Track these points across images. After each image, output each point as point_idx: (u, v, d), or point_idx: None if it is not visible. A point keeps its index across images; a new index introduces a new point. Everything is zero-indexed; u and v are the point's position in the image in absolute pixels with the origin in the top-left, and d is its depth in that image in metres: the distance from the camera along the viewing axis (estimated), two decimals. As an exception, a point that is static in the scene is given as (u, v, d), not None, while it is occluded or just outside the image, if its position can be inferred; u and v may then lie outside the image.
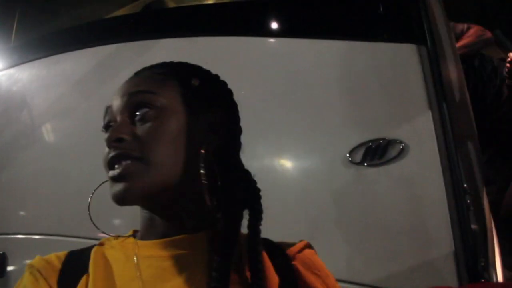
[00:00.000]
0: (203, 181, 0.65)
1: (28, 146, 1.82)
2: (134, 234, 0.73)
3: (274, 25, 1.43)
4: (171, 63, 0.77)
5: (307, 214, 1.19)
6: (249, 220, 0.68)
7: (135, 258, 0.67)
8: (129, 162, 0.64)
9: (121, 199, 0.63)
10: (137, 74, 0.75)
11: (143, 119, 0.66)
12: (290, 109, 1.29)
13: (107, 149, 0.66)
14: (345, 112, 1.23)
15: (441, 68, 1.15)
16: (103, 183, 0.69)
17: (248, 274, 0.64)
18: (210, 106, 0.72)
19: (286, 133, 1.28)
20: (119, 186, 0.63)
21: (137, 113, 0.67)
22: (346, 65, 1.26)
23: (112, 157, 0.65)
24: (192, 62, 0.79)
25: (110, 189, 0.65)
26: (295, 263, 0.70)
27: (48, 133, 1.82)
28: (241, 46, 1.41)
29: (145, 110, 0.67)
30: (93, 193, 0.71)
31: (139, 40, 1.61)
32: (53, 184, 1.68)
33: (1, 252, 1.69)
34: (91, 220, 0.73)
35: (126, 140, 0.65)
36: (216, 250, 0.63)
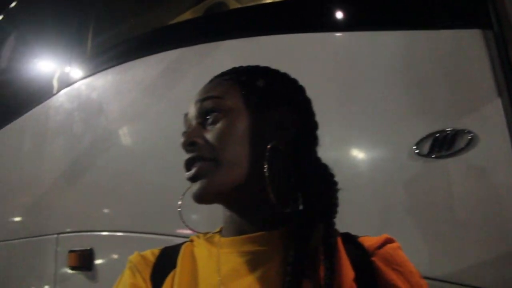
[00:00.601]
0: (267, 177, 0.67)
1: (108, 149, 1.96)
2: (221, 231, 0.77)
3: (335, 20, 1.42)
4: (238, 67, 0.80)
5: (375, 208, 1.18)
6: (325, 213, 0.69)
7: (216, 254, 0.72)
8: (202, 163, 0.69)
9: (197, 197, 0.68)
10: (209, 82, 0.79)
11: (213, 123, 0.71)
12: (356, 103, 1.28)
13: None
14: (410, 103, 1.21)
15: (510, 52, 1.09)
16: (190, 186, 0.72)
17: (322, 267, 0.64)
18: (277, 104, 0.74)
19: (352, 126, 1.28)
20: (196, 186, 0.68)
21: (208, 117, 0.72)
22: (408, 56, 1.24)
23: (188, 160, 0.70)
24: (256, 61, 0.81)
25: (191, 189, 0.70)
26: (375, 259, 0.69)
27: (124, 136, 1.94)
28: (304, 42, 1.42)
29: (214, 114, 0.71)
30: (183, 195, 0.75)
31: (205, 42, 1.66)
32: (133, 184, 1.79)
33: (88, 248, 1.84)
34: (182, 219, 0.77)
35: (198, 144, 0.70)
36: (292, 245, 0.65)
